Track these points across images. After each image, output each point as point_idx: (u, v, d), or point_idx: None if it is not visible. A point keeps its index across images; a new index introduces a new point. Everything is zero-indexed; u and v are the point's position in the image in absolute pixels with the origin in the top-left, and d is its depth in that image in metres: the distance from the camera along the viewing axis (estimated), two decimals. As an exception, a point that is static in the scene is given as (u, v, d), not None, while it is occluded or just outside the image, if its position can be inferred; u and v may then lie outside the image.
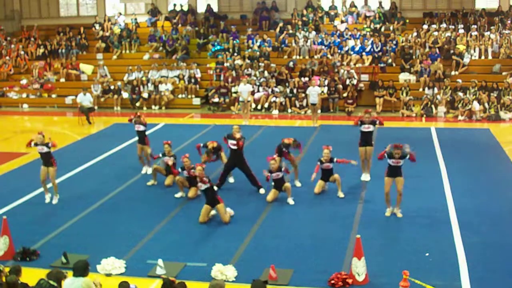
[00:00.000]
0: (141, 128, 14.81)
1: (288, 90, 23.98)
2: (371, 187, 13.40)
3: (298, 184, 13.55)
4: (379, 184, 12.42)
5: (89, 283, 7.23)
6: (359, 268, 8.92)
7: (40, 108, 25.96)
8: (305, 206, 12.32)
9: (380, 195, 11.97)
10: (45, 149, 12.67)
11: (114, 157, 16.84)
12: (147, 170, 14.82)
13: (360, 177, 14.08)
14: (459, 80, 23.07)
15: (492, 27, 25.48)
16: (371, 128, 13.75)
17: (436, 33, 25.56)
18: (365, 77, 24.67)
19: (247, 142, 17.78)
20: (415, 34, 25.68)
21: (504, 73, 23.44)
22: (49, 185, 13.03)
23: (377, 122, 13.92)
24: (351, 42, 25.86)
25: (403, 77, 24.33)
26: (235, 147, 13.21)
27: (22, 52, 28.46)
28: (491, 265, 9.46)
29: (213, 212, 11.70)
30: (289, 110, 23.47)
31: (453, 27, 26.19)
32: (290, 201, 12.45)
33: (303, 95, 23.01)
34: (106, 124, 21.99)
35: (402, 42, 25.65)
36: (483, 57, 24.60)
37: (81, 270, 7.33)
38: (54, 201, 12.75)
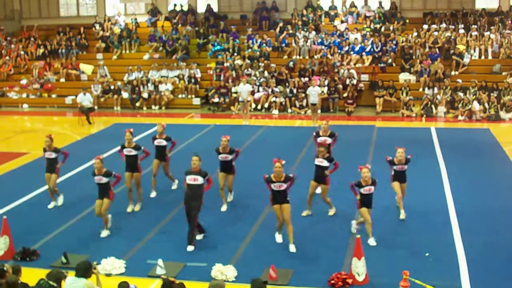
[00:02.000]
0: (53, 155, 12.50)
1: (288, 90, 23.98)
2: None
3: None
4: (379, 185, 12.43)
5: (91, 286, 7.22)
6: (359, 268, 8.92)
7: (40, 108, 25.96)
8: (305, 206, 12.31)
9: (380, 196, 11.95)
10: None
11: (114, 157, 16.79)
12: (59, 201, 12.75)
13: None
14: (459, 80, 23.07)
15: (492, 27, 25.47)
16: (228, 158, 12.35)
17: (436, 33, 25.56)
18: (365, 77, 24.67)
19: (247, 143, 17.83)
20: (415, 34, 25.67)
21: (504, 73, 23.44)
22: None
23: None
24: (351, 40, 25.85)
25: (403, 77, 24.33)
26: (193, 182, 10.39)
27: (22, 52, 28.46)
28: (491, 265, 9.47)
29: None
30: (289, 110, 23.47)
31: (453, 27, 26.19)
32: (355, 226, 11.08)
33: (303, 95, 23.01)
34: (106, 124, 21.99)
35: (402, 42, 25.65)
36: (483, 57, 24.61)
37: (83, 270, 7.32)
38: None
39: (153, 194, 13.23)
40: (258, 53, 25.88)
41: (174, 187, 13.63)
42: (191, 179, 10.30)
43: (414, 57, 24.77)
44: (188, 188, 10.33)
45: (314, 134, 13.48)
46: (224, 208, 12.28)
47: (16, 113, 25.28)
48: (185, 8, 29.82)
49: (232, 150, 12.36)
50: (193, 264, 9.68)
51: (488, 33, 25.20)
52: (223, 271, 9.23)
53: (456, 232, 10.77)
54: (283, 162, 10.26)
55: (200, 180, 10.26)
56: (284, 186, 10.20)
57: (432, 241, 10.37)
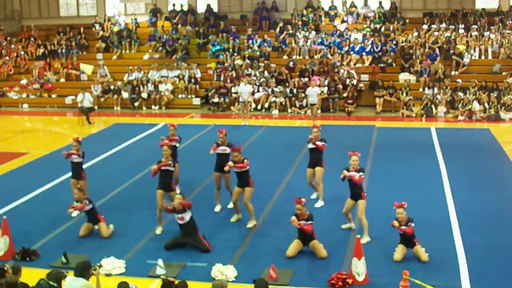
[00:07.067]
0: None
1: (288, 90, 23.98)
2: (371, 188, 13.37)
3: None
4: (379, 185, 12.44)
5: (90, 287, 7.21)
6: (359, 268, 8.92)
7: (40, 108, 25.96)
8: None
9: (380, 196, 11.96)
10: None
11: (114, 157, 16.84)
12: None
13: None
14: (459, 80, 23.07)
15: (492, 27, 25.48)
16: (227, 150, 12.14)
17: (436, 33, 25.56)
18: (365, 77, 24.67)
19: (247, 143, 17.81)
20: (415, 34, 25.67)
21: (504, 73, 23.44)
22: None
23: None
24: (351, 40, 25.87)
25: (403, 77, 24.33)
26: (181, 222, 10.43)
27: (22, 52, 28.45)
28: (491, 265, 9.47)
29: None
30: (289, 110, 23.47)
31: (453, 27, 26.19)
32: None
33: (303, 95, 23.01)
34: (106, 124, 21.99)
35: (402, 42, 25.65)
36: (483, 57, 24.60)
37: (81, 270, 7.31)
38: None
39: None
40: (258, 53, 25.87)
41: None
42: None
43: (414, 57, 24.77)
44: None
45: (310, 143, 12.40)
46: (217, 208, 12.24)
47: (16, 113, 25.27)
48: (185, 8, 29.82)
49: (230, 144, 12.20)
50: (193, 264, 9.68)
51: (488, 33, 25.20)
52: (223, 271, 9.22)
53: (456, 232, 10.76)
54: (303, 200, 9.97)
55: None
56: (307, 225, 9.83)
57: (432, 241, 10.36)
